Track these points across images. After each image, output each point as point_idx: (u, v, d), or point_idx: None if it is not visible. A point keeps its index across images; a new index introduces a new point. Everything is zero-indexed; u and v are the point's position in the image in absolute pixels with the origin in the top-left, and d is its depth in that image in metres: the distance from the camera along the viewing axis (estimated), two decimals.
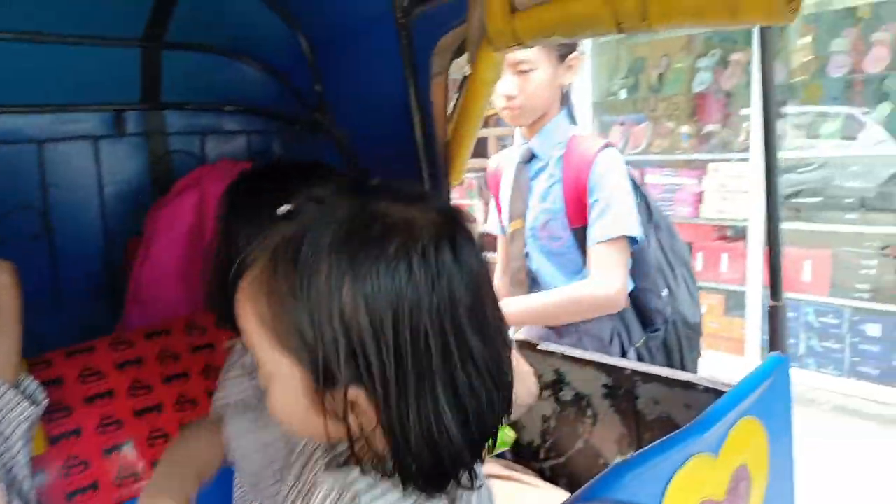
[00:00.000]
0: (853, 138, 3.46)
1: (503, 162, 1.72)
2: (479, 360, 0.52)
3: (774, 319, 0.93)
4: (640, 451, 0.70)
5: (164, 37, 1.54)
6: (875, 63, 3.37)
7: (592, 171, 1.43)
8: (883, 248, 3.40)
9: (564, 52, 1.50)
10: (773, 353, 0.92)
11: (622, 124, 4.46)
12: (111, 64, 1.52)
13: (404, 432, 0.51)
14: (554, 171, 1.51)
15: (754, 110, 3.64)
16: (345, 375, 0.51)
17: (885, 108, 3.48)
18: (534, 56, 1.45)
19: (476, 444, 0.55)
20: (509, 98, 1.51)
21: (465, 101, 1.33)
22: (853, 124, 3.58)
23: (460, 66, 1.36)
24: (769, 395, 0.88)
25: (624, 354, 1.47)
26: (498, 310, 0.56)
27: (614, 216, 1.40)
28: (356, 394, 0.52)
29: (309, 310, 0.51)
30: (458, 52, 1.37)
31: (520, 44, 1.19)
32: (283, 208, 0.57)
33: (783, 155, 3.67)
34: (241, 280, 0.57)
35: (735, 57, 3.92)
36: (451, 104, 1.40)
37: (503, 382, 0.55)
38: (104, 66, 1.51)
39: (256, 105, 1.73)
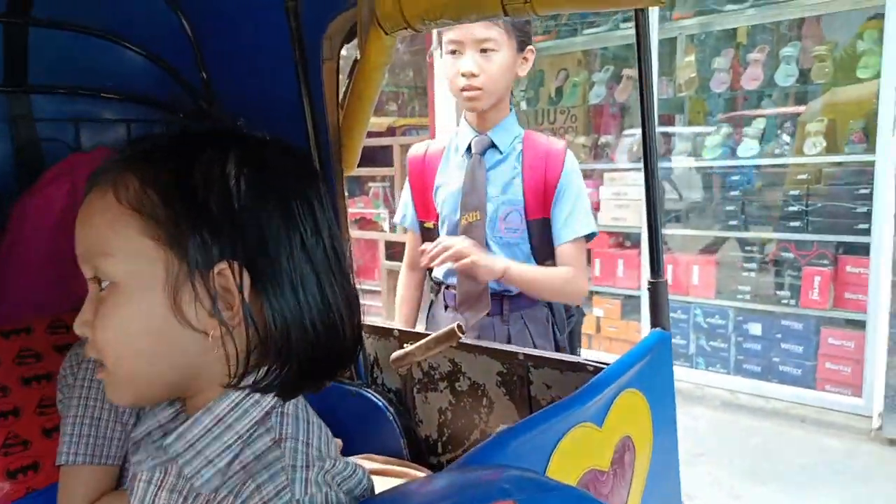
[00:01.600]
0: (734, 151, 3.69)
1: (433, 151, 1.66)
2: (333, 265, 0.56)
3: (655, 295, 0.95)
4: (524, 419, 0.69)
5: (30, 13, 1.42)
6: (751, 81, 3.63)
7: (565, 168, 1.48)
8: (762, 254, 3.64)
9: (523, 41, 1.48)
10: (655, 329, 0.94)
11: None
12: None
13: (280, 310, 0.52)
14: (515, 165, 1.52)
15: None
16: (228, 246, 0.51)
17: (759, 123, 3.73)
18: (499, 37, 1.43)
19: (343, 344, 0.57)
20: (471, 76, 1.46)
21: (356, 85, 1.30)
22: (734, 137, 3.81)
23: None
24: (651, 369, 0.89)
25: (556, 339, 1.56)
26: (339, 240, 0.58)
27: (584, 215, 1.49)
28: (235, 268, 0.51)
29: (192, 179, 0.51)
30: (349, 37, 1.34)
31: (409, 26, 1.18)
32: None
33: (673, 165, 3.88)
34: (98, 183, 0.54)
35: (627, 72, 4.11)
36: (343, 90, 1.36)
37: (350, 315, 0.57)
38: None
39: (137, 92, 1.63)
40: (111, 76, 1.59)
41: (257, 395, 0.54)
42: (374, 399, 1.34)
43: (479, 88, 1.46)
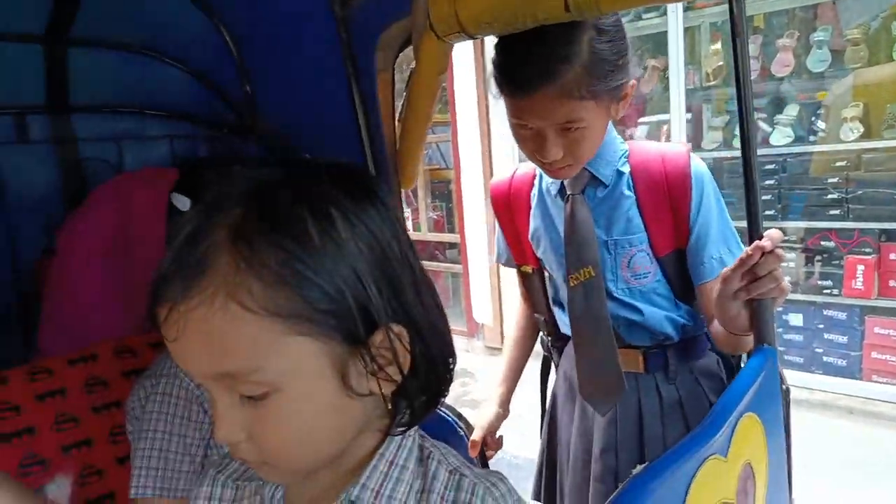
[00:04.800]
0: (767, 139, 3.61)
1: (518, 184, 1.32)
2: (427, 283, 0.56)
3: (759, 310, 0.90)
4: (656, 459, 0.64)
5: (70, 32, 1.39)
6: (782, 67, 3.55)
7: (694, 183, 1.12)
8: (800, 243, 3.57)
9: (616, 89, 1.07)
10: (762, 346, 0.89)
11: None
12: (10, 62, 1.36)
13: (432, 345, 0.53)
14: (626, 191, 1.17)
15: (674, 114, 3.75)
16: (383, 309, 0.50)
17: (792, 110, 3.65)
18: (586, 113, 1.04)
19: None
20: (558, 161, 1.10)
21: (413, 96, 1.25)
22: (766, 126, 3.74)
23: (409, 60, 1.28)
24: (762, 390, 0.85)
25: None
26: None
27: (732, 238, 1.15)
28: (396, 328, 0.51)
29: (321, 261, 0.47)
30: (404, 46, 1.29)
31: (463, 30, 1.12)
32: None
33: (704, 155, 3.81)
34: (198, 287, 0.46)
35: (651, 62, 4.04)
36: (399, 102, 1.32)
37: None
38: (1, 65, 1.34)
39: (179, 108, 1.59)
40: (153, 93, 1.56)
41: (411, 431, 0.56)
42: (445, 415, 1.30)
43: (570, 166, 1.12)
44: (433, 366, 0.54)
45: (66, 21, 1.38)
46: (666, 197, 1.14)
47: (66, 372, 1.10)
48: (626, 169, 1.17)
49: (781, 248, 0.89)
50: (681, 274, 1.17)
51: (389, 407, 0.52)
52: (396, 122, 1.31)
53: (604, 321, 1.16)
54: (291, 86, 1.46)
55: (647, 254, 1.17)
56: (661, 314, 1.18)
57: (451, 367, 0.56)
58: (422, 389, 0.54)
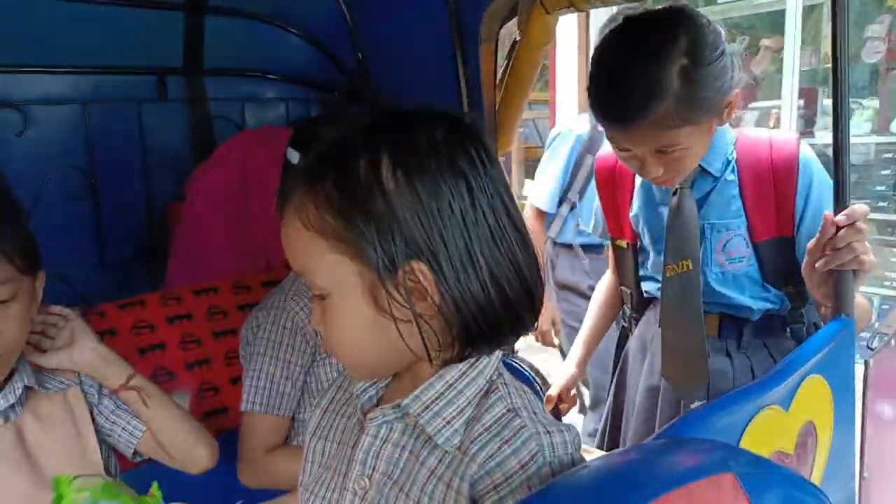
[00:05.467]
0: (887, 126, 3.39)
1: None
2: (496, 231, 0.58)
3: (839, 283, 0.92)
4: (718, 398, 0.70)
5: (207, 2, 1.54)
6: None
7: (802, 174, 1.12)
8: None
9: (717, 105, 1.05)
10: (839, 316, 0.91)
11: None
12: (154, 28, 1.52)
13: (461, 293, 0.56)
14: (730, 176, 1.17)
15: (785, 98, 3.59)
16: (402, 249, 0.55)
17: None
18: (683, 138, 1.05)
19: (511, 312, 0.59)
20: (659, 177, 1.13)
21: (516, 67, 1.32)
22: (885, 113, 3.51)
23: (510, 32, 1.34)
24: (834, 357, 0.87)
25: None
26: (515, 211, 0.60)
27: None
28: (417, 267, 0.55)
29: (359, 198, 0.55)
30: (508, 17, 1.35)
31: (572, 5, 1.18)
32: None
33: (817, 141, 3.62)
34: (284, 206, 0.59)
35: (765, 42, 3.87)
36: (501, 71, 1.38)
37: (521, 271, 0.59)
38: (147, 30, 1.51)
39: (296, 73, 1.73)
40: (273, 59, 1.71)
41: (480, 366, 0.59)
42: (521, 369, 1.37)
43: (672, 180, 1.14)
44: (460, 312, 0.56)
45: None
46: (771, 184, 1.14)
47: (191, 300, 1.26)
48: (734, 156, 1.17)
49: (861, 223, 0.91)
50: (777, 260, 1.16)
51: (433, 335, 0.57)
52: (497, 90, 1.38)
53: (696, 313, 1.17)
54: (399, 53, 1.56)
55: (744, 238, 1.17)
56: (747, 298, 1.19)
57: (493, 322, 0.58)
58: (451, 330, 0.57)
